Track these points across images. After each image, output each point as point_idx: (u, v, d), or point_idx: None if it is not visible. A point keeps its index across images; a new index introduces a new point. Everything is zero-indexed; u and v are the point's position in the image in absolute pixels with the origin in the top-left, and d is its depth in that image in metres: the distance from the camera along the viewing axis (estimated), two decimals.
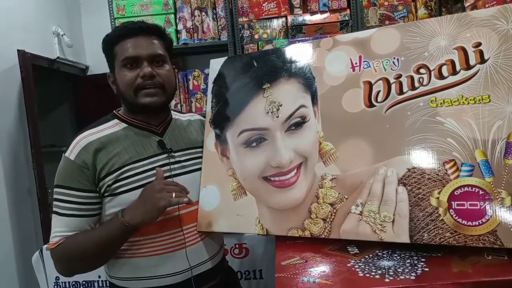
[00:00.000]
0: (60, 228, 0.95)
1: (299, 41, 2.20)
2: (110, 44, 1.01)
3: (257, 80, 1.01)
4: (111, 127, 1.02)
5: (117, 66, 1.00)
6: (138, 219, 0.90)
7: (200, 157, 1.09)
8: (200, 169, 1.08)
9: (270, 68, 1.00)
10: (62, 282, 1.81)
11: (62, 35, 3.00)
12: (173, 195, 0.90)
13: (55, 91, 3.33)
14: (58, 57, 2.94)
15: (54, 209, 0.97)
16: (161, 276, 0.99)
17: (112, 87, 1.05)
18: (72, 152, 0.96)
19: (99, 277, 1.78)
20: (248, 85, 1.02)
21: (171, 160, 1.03)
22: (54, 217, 0.97)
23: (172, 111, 1.14)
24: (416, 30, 0.87)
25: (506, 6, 0.80)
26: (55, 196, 0.97)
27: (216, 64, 1.11)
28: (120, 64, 0.99)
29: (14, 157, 2.49)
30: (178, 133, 1.09)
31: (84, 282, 1.81)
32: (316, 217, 0.90)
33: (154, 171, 0.99)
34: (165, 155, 1.02)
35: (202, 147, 1.10)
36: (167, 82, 1.02)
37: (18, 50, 2.52)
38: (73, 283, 1.81)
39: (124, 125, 1.03)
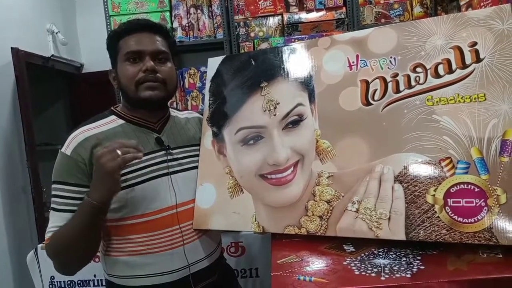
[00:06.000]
0: (55, 223, 0.94)
1: (295, 39, 2.20)
2: (114, 39, 1.01)
3: (254, 79, 1.01)
4: (108, 123, 1.02)
5: (120, 60, 1.00)
6: (98, 194, 0.87)
7: (198, 155, 1.09)
8: (197, 166, 1.08)
9: (267, 67, 1.00)
10: (57, 282, 1.80)
11: (56, 33, 2.98)
12: (118, 153, 0.84)
13: (50, 89, 3.30)
14: (52, 55, 2.92)
15: (52, 205, 0.96)
16: (159, 274, 0.99)
17: (113, 83, 1.05)
18: (68, 147, 0.96)
19: (95, 276, 1.78)
20: (246, 84, 1.02)
21: (169, 157, 1.03)
22: (51, 214, 0.96)
23: (170, 109, 1.13)
24: (412, 29, 0.87)
25: (501, 6, 0.80)
26: (52, 193, 0.96)
27: (214, 63, 1.11)
28: (123, 58, 0.99)
29: (9, 156, 2.47)
30: (176, 130, 1.09)
31: (79, 282, 1.80)
32: (313, 215, 0.90)
33: (152, 168, 0.99)
34: (162, 152, 1.02)
35: (199, 144, 1.10)
36: (169, 79, 1.02)
37: (12, 48, 2.50)
38: (68, 282, 1.80)
39: (121, 121, 1.03)
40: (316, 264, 0.80)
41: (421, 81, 0.85)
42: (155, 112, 1.05)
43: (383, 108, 0.87)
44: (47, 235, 0.95)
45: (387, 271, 0.73)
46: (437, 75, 0.84)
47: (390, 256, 0.80)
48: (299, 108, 0.95)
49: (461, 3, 1.67)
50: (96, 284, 1.78)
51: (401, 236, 0.80)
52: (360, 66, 0.91)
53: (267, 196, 0.96)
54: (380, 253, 0.81)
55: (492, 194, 0.75)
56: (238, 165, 1.01)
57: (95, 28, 3.08)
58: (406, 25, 0.89)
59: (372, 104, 0.89)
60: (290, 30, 2.26)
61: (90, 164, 0.95)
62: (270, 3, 2.26)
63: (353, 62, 0.92)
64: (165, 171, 1.01)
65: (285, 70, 0.99)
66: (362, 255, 0.81)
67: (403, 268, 0.73)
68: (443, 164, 0.80)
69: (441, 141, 0.81)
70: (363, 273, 0.73)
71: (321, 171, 0.92)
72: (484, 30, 0.81)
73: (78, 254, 0.94)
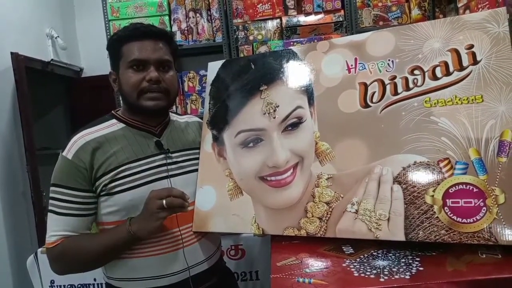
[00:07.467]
0: (57, 227, 0.95)
1: (294, 42, 2.21)
2: (118, 43, 1.01)
3: (254, 82, 1.02)
4: (108, 126, 1.02)
5: (123, 66, 1.00)
6: (140, 229, 0.91)
7: (197, 158, 1.09)
8: (197, 170, 1.08)
9: (267, 70, 1.01)
10: (57, 286, 1.79)
11: (56, 37, 2.99)
12: (164, 202, 0.88)
13: (49, 94, 3.30)
14: (52, 60, 2.92)
15: (51, 208, 0.96)
16: (159, 277, 0.99)
17: (113, 85, 1.06)
18: (69, 151, 0.96)
19: (95, 280, 1.77)
20: (246, 87, 1.03)
21: (168, 161, 1.03)
22: (51, 216, 0.96)
23: (170, 113, 1.14)
24: (410, 33, 0.88)
25: (497, 10, 0.82)
26: (51, 195, 0.97)
27: (214, 66, 1.12)
28: (126, 65, 0.99)
29: (8, 160, 2.48)
30: (176, 134, 1.10)
31: (79, 285, 1.80)
32: (312, 216, 0.91)
33: (151, 171, 0.99)
34: (162, 156, 1.02)
35: (199, 148, 1.10)
36: (171, 87, 1.03)
37: (11, 53, 2.51)
38: (68, 286, 1.80)
39: (122, 125, 1.03)
40: (316, 266, 0.80)
41: (419, 83, 0.85)
42: (155, 117, 1.06)
43: (382, 110, 0.88)
44: (51, 239, 0.95)
45: (386, 273, 0.73)
46: (434, 77, 0.84)
47: (389, 257, 0.80)
48: (298, 111, 0.96)
49: (459, 5, 1.68)
50: None
51: (400, 237, 0.81)
52: (359, 69, 0.92)
53: (267, 198, 0.97)
54: (379, 255, 0.81)
55: (491, 194, 0.76)
56: (238, 168, 1.01)
57: (95, 33, 3.09)
58: (404, 29, 0.90)
59: (370, 106, 0.89)
60: (289, 33, 2.27)
61: (90, 168, 0.95)
62: (268, 7, 2.28)
63: (351, 65, 0.93)
64: (164, 174, 1.01)
65: (285, 74, 1.00)
66: (361, 256, 0.82)
67: (402, 270, 0.74)
68: (441, 164, 0.80)
69: (439, 142, 0.81)
70: (362, 274, 0.73)
71: (320, 173, 0.92)
72: (481, 33, 0.82)
73: (90, 266, 1.00)
